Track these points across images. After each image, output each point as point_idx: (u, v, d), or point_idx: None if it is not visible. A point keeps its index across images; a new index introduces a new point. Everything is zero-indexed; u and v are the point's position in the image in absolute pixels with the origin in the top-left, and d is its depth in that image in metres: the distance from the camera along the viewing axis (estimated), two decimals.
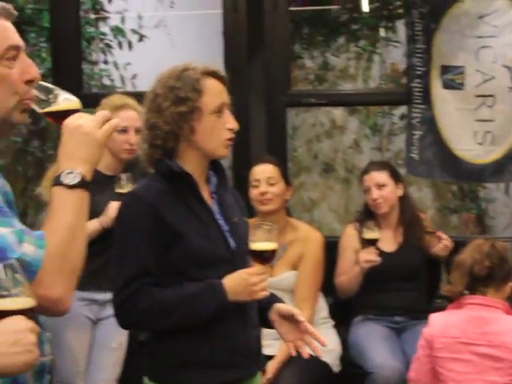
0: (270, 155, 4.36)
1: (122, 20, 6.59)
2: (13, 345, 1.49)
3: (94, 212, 3.64)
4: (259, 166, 4.11)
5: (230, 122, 2.63)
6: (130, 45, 6.66)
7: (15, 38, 1.91)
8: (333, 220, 6.56)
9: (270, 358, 3.91)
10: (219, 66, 4.71)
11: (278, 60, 4.71)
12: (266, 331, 4.03)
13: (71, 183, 1.83)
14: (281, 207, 4.07)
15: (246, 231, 2.72)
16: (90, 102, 3.71)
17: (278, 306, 2.71)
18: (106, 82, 6.72)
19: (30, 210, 6.14)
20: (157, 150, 2.61)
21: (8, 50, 1.88)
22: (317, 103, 5.06)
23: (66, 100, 1.96)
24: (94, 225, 3.62)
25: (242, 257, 2.66)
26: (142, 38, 6.63)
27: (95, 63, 6.74)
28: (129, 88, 6.52)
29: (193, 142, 2.59)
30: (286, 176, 4.14)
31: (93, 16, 6.71)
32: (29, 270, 1.72)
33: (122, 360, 3.91)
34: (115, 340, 3.85)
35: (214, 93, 2.60)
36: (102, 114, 1.96)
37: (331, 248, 4.20)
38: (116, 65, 6.66)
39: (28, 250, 1.74)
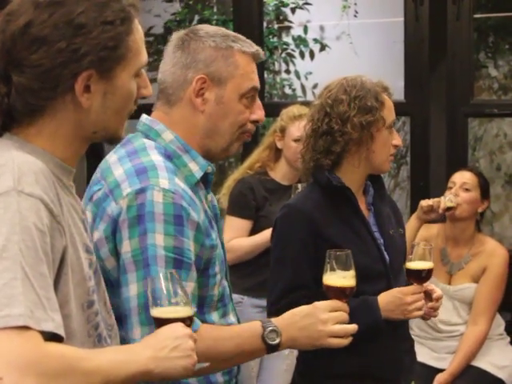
0: (451, 166, 4.28)
1: (305, 30, 6.65)
2: (173, 350, 1.55)
3: (270, 221, 3.69)
4: (460, 171, 4.05)
5: (397, 139, 2.66)
6: (311, 54, 6.71)
7: (257, 81, 2.10)
8: None
9: (442, 371, 3.86)
10: (400, 75, 4.72)
11: (460, 69, 4.62)
12: (440, 345, 3.98)
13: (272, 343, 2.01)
14: (470, 217, 3.98)
15: (403, 244, 2.69)
16: (271, 111, 3.77)
17: None
18: (288, 91, 6.80)
19: None
20: (331, 156, 2.60)
21: (251, 90, 2.07)
22: (499, 114, 4.92)
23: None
24: (268, 235, 3.67)
25: (397, 270, 2.63)
26: (323, 47, 6.68)
27: (277, 73, 6.84)
28: (309, 97, 6.57)
29: (370, 151, 2.59)
30: (484, 187, 4.03)
31: (276, 26, 6.81)
32: None
33: (293, 367, 3.94)
34: None
35: (389, 108, 2.62)
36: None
37: (511, 262, 4.08)
38: (297, 74, 6.73)
39: None
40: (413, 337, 2.86)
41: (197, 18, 6.56)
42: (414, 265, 2.52)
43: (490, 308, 3.93)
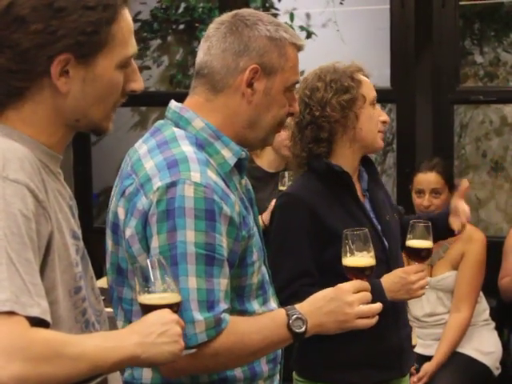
0: (437, 153, 4.28)
1: (291, 17, 6.63)
2: (160, 335, 1.54)
3: (258, 208, 3.70)
4: (424, 173, 4.00)
5: (383, 115, 2.66)
6: None
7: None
8: (501, 220, 6.39)
9: (428, 358, 3.87)
10: (386, 62, 4.72)
11: (446, 56, 4.63)
12: (426, 332, 3.99)
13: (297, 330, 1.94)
14: None
15: (398, 230, 2.68)
16: None
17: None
18: None
19: None
20: (321, 143, 2.61)
21: (295, 84, 2.08)
22: (485, 101, 4.94)
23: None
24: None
25: (395, 256, 2.62)
26: (310, 34, 6.67)
27: None
28: (296, 85, 6.56)
29: (357, 130, 2.59)
30: (451, 183, 4.03)
31: None
32: None
33: None
34: None
35: (368, 85, 2.64)
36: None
37: (498, 248, 4.10)
38: None
39: None
40: None
41: (183, 5, 6.54)
42: (414, 243, 2.51)
43: (471, 294, 3.93)
